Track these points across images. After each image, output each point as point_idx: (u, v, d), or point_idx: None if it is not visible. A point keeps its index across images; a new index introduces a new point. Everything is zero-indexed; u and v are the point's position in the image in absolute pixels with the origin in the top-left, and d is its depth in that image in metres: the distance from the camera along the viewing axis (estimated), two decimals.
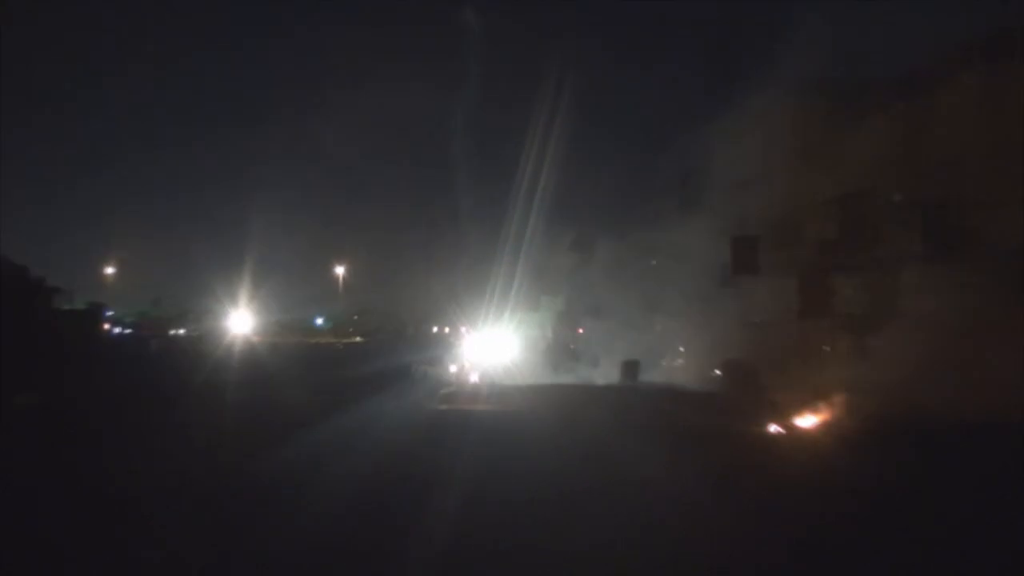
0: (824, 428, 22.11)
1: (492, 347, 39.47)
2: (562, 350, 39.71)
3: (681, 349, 37.34)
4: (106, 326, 48.45)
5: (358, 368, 37.01)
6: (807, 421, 22.80)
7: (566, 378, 36.32)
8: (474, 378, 34.77)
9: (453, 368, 36.97)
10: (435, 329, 49.75)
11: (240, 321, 48.42)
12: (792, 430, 22.37)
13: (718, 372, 29.79)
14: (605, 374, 36.23)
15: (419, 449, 17.01)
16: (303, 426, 19.42)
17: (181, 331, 53.05)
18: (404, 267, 50.36)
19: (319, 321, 56.10)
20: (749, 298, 30.08)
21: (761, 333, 28.17)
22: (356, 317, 55.31)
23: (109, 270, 51.54)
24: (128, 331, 53.25)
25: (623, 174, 42.75)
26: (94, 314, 46.42)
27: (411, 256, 50.15)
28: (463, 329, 43.46)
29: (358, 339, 52.74)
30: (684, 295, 34.42)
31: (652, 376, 35.29)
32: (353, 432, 19.38)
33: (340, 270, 52.78)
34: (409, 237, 52.85)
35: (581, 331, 40.55)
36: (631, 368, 35.19)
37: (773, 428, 22.88)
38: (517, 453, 16.57)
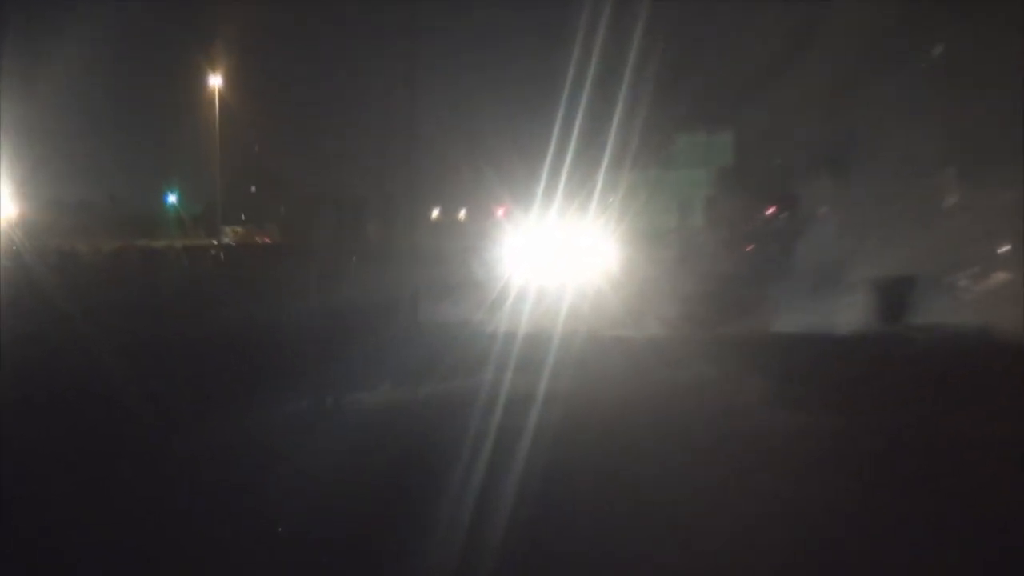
0: None
1: (562, 254, 20.49)
2: (735, 261, 18.66)
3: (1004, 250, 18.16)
4: None
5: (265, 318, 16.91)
6: None
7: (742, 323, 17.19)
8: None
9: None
10: (436, 212, 26.55)
11: None
12: None
13: None
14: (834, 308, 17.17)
15: None
16: None
17: None
18: (364, 86, 25.65)
19: (171, 199, 30.55)
20: None
21: None
22: (254, 189, 30.37)
23: None
24: None
25: None
26: None
27: (374, 63, 25.54)
28: (498, 213, 23.50)
29: (266, 240, 28.34)
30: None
31: (938, 309, 16.81)
32: None
33: (216, 83, 28.00)
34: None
35: (773, 211, 20.08)
36: (899, 293, 17.16)
37: None
38: None
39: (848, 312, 16.88)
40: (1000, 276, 17.94)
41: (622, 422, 11.50)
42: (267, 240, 25.54)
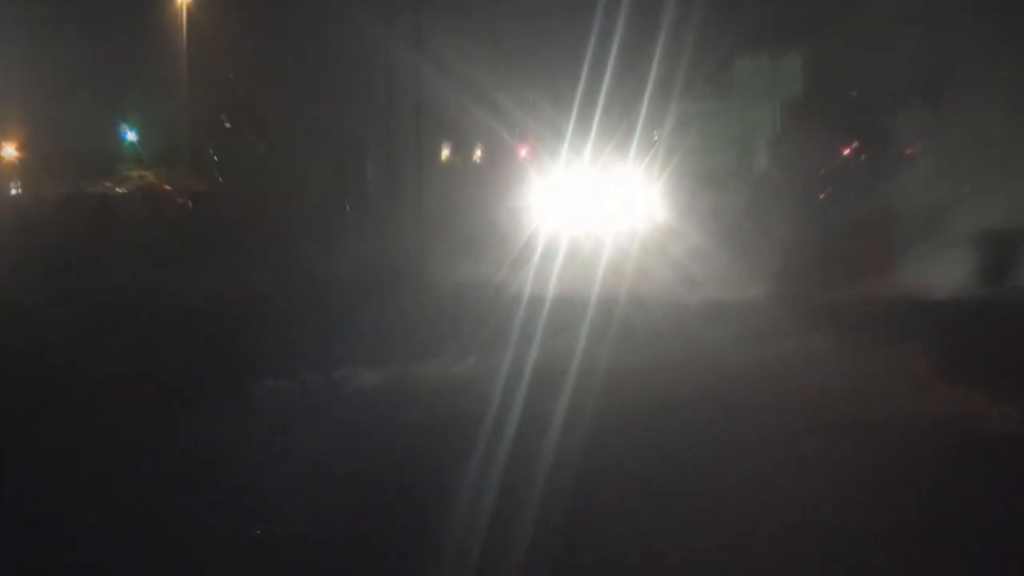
0: None
1: (597, 201, 17.62)
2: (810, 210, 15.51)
3: None
4: None
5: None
6: None
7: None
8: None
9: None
10: (446, 152, 23.58)
11: None
12: None
13: None
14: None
15: None
16: None
17: None
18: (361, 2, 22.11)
19: (130, 137, 25.90)
20: None
21: None
22: (228, 124, 25.81)
23: None
24: None
25: None
26: None
27: None
28: (521, 152, 20.35)
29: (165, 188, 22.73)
30: None
31: None
32: None
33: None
34: None
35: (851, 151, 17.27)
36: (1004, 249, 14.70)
37: None
38: None
39: (945, 271, 14.03)
40: None
41: (679, 414, 9.04)
42: (166, 188, 21.47)
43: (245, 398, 10.17)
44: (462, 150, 23.83)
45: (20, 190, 21.11)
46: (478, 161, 23.22)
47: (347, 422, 10.21)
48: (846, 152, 17.35)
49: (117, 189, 20.88)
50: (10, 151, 21.82)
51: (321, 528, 7.26)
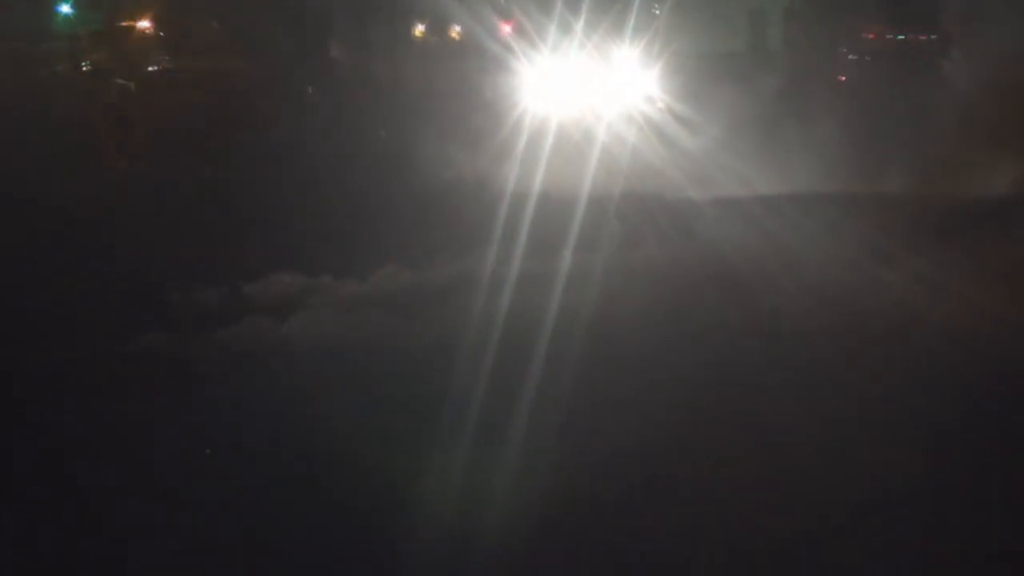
0: None
1: (590, 86, 15.68)
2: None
3: None
4: None
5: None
6: None
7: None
8: None
9: None
10: (420, 28, 21.49)
11: None
12: None
13: None
14: None
15: None
16: None
17: None
18: None
19: (64, 9, 22.22)
20: None
21: None
22: None
23: None
24: None
25: None
26: None
27: None
28: (504, 29, 17.48)
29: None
30: None
31: None
32: None
33: None
34: None
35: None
36: None
37: None
38: None
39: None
40: None
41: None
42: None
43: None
44: (438, 27, 21.59)
45: None
46: (456, 38, 21.02)
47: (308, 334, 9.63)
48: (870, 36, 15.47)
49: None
50: None
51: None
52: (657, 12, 15.87)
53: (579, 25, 15.71)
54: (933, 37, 15.41)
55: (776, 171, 12.91)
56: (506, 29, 18.21)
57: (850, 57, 15.22)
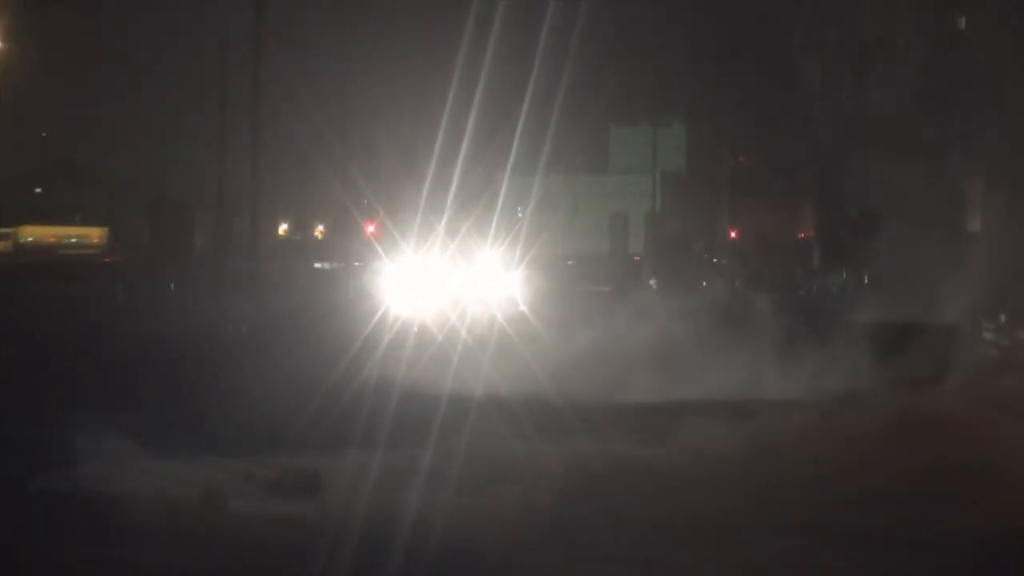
0: None
1: (453, 284, 15.89)
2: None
3: None
4: None
5: None
6: None
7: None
8: None
9: None
10: (283, 227, 21.47)
11: None
12: None
13: None
14: None
15: None
16: None
17: None
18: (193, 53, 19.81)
19: None
20: None
21: None
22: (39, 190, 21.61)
23: None
24: None
25: None
26: None
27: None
28: (368, 229, 17.78)
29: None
30: None
31: None
32: None
33: None
34: None
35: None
36: None
37: None
38: None
39: None
40: None
41: None
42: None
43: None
44: (302, 225, 21.54)
45: None
46: (320, 237, 20.90)
47: None
48: (733, 235, 15.80)
49: None
50: None
51: None
52: (520, 214, 16.05)
53: (442, 223, 15.74)
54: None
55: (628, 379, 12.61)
56: (370, 229, 18.22)
57: (714, 260, 15.52)
